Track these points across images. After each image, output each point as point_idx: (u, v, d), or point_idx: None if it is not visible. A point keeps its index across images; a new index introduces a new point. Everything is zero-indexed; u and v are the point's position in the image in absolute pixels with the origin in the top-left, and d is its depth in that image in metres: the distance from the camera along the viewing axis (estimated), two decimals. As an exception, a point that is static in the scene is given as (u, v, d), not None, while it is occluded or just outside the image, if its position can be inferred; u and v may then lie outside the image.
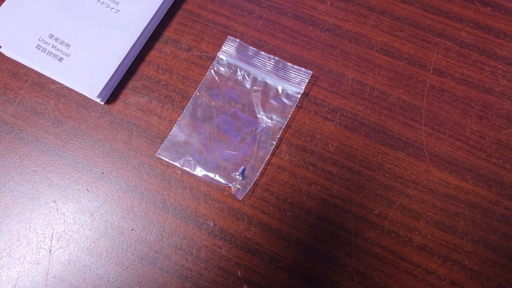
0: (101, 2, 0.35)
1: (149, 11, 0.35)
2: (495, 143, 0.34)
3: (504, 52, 0.38)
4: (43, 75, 0.35)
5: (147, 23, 0.35)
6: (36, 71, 0.35)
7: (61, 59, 0.33)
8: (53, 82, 0.35)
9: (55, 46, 0.33)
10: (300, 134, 0.34)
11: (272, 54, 0.37)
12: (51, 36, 0.33)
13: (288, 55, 0.37)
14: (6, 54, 0.34)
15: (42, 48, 0.33)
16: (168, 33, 0.37)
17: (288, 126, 0.34)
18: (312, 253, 0.31)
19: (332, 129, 0.34)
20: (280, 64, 0.36)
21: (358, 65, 0.37)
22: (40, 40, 0.33)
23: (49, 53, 0.33)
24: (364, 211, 0.32)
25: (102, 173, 0.33)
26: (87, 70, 0.33)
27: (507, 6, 0.39)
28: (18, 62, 0.36)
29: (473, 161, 0.34)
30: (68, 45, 0.33)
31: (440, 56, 0.37)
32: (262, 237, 0.31)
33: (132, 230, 0.31)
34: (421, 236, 0.31)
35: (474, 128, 0.35)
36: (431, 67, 0.37)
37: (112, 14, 0.34)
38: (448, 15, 0.39)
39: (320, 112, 0.35)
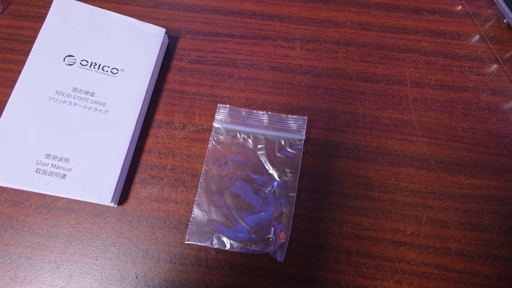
0: (89, 108, 0.34)
1: (136, 103, 0.36)
2: (486, 135, 0.37)
3: (464, 50, 0.41)
4: (46, 195, 0.34)
5: (137, 115, 0.35)
6: (37, 193, 0.34)
7: (64, 176, 0.32)
8: (58, 199, 0.34)
9: (55, 165, 0.32)
10: (315, 179, 0.35)
11: (263, 110, 0.38)
12: (48, 156, 0.32)
13: (278, 106, 0.38)
14: (3, 186, 0.33)
15: (42, 171, 0.32)
16: (158, 117, 0.38)
17: (301, 174, 0.35)
18: (365, 291, 0.31)
19: (341, 165, 0.36)
20: (275, 118, 0.37)
21: (344, 97, 0.39)
22: (38, 163, 0.32)
23: (51, 174, 0.32)
24: (397, 234, 0.33)
25: (136, 277, 0.32)
26: (94, 179, 0.32)
27: (451, 10, 0.43)
28: (17, 189, 0.34)
29: (474, 156, 0.36)
30: (67, 160, 0.32)
31: (411, 69, 0.40)
32: (313, 291, 0.31)
33: (184, 326, 0.30)
34: (456, 242, 0.33)
35: (464, 126, 0.37)
36: (408, 81, 0.39)
37: (102, 116, 0.34)
38: (405, 31, 0.42)
39: (326, 152, 0.36)
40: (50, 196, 0.34)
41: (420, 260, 0.32)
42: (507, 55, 0.41)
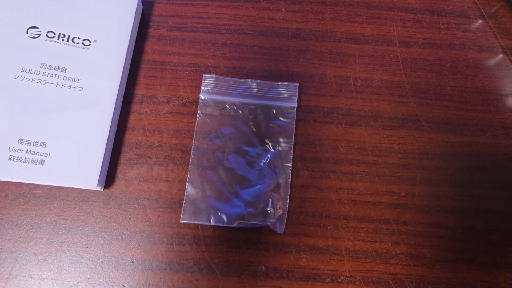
0: (61, 85, 0.31)
1: (114, 77, 0.33)
2: (474, 92, 0.37)
3: (450, 6, 0.40)
4: (23, 183, 0.32)
5: (117, 91, 0.32)
6: (13, 182, 0.31)
7: (42, 162, 0.29)
8: (37, 187, 0.32)
9: (30, 151, 0.29)
10: (309, 146, 0.34)
11: (251, 78, 0.36)
12: (21, 141, 0.29)
13: (267, 73, 0.36)
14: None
15: (16, 158, 0.29)
16: (139, 91, 0.35)
17: (295, 143, 0.34)
18: (365, 256, 0.32)
19: (335, 131, 0.35)
20: (265, 86, 0.35)
21: (334, 60, 0.37)
22: (10, 150, 0.29)
23: (26, 161, 0.29)
24: (393, 197, 0.33)
25: (132, 262, 0.30)
26: (75, 162, 0.30)
27: (437, -36, 0.42)
28: (-12, 180, 0.31)
29: (464, 114, 0.36)
30: (44, 144, 0.30)
31: (399, 28, 0.39)
32: (315, 260, 0.31)
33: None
34: (448, 199, 0.33)
35: (453, 85, 0.37)
36: (397, 41, 0.38)
37: (77, 94, 0.31)
38: (392, -12, 0.40)
39: (318, 118, 0.35)
40: (28, 185, 0.32)
41: (416, 219, 0.33)
42: (492, 10, 0.40)
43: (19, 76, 0.31)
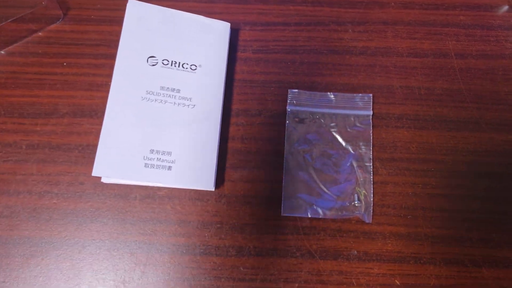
0: (177, 104, 0.37)
1: (218, 95, 0.39)
2: (525, 96, 0.42)
3: (498, 21, 0.45)
4: (148, 186, 0.38)
5: (221, 106, 0.39)
6: (139, 185, 0.37)
7: (170, 168, 0.35)
8: (160, 189, 0.38)
9: (160, 159, 0.35)
10: (385, 148, 0.40)
11: (329, 91, 0.42)
12: (152, 151, 0.35)
13: (341, 86, 0.42)
14: (110, 182, 0.36)
15: (150, 165, 0.35)
16: (235, 106, 0.41)
17: (373, 145, 0.39)
18: (442, 241, 0.37)
19: (405, 134, 0.40)
20: (342, 97, 0.41)
21: (399, 73, 0.43)
22: (145, 158, 0.35)
23: (158, 167, 0.35)
24: (462, 189, 0.38)
25: (248, 248, 0.36)
26: (195, 167, 0.36)
27: (483, -17, 0.47)
28: (121, 184, 0.37)
29: (518, 116, 0.41)
30: (169, 153, 0.36)
31: (454, 42, 0.44)
32: (399, 245, 0.36)
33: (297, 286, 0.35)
34: (509, 190, 0.38)
35: (506, 90, 0.42)
36: (453, 54, 0.44)
37: (191, 110, 0.37)
38: (444, 7, 0.46)
39: (390, 123, 0.41)
40: (152, 187, 0.38)
41: (484, 208, 0.38)
42: (536, 22, 0.45)
43: (145, 98, 0.37)
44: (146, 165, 0.35)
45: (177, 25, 0.40)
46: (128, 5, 0.39)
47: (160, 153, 0.36)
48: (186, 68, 0.39)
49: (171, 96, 0.38)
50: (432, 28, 0.45)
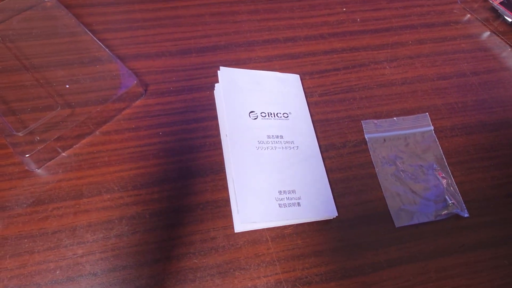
0: (284, 148, 0.42)
1: (311, 135, 0.44)
2: (530, 95, 0.54)
3: (489, 44, 0.58)
4: (275, 227, 0.41)
5: (317, 145, 0.44)
6: (267, 228, 0.40)
7: (299, 204, 0.39)
8: (285, 227, 0.41)
9: (288, 197, 0.39)
10: (451, 154, 0.47)
11: (390, 117, 0.49)
12: (280, 192, 0.39)
13: (399, 112, 0.50)
14: (242, 230, 0.39)
15: (283, 205, 0.39)
16: (322, 142, 0.47)
17: (443, 154, 0.47)
18: (523, 218, 0.44)
19: (461, 140, 0.49)
20: (405, 120, 0.49)
21: (437, 94, 0.52)
22: (277, 199, 0.39)
23: (290, 205, 0.39)
24: (520, 175, 0.47)
25: (379, 262, 0.40)
26: (318, 201, 0.40)
27: None
28: (250, 231, 0.40)
29: (532, 111, 0.52)
30: (294, 191, 0.40)
31: (466, 64, 0.56)
32: (500, 231, 0.43)
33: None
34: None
35: (515, 93, 0.54)
36: (468, 73, 0.55)
37: (296, 152, 0.42)
38: (448, 38, 0.58)
39: (446, 134, 0.49)
40: (278, 227, 0.41)
41: None
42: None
43: (259, 147, 0.41)
44: (280, 205, 0.38)
45: (260, 82, 0.46)
46: (220, 72, 0.44)
47: (287, 193, 0.39)
48: (281, 117, 0.44)
49: (278, 142, 0.42)
50: (446, 56, 0.56)
